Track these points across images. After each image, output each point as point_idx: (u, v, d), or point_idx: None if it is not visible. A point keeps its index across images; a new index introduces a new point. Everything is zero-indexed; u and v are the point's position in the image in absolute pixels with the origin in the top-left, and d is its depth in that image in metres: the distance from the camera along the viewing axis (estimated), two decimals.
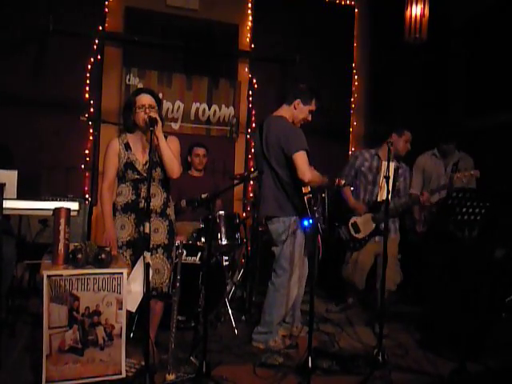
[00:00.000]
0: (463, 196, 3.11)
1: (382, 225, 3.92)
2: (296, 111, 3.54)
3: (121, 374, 2.62)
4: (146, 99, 3.02)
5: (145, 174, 3.01)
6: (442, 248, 4.15)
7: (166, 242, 3.10)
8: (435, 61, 6.34)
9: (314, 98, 3.54)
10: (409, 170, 4.39)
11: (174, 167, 3.02)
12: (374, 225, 4.14)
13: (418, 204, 4.17)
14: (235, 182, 4.28)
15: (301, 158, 3.30)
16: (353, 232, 4.20)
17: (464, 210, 3.14)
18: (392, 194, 4.01)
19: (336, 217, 4.41)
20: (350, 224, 4.21)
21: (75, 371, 2.53)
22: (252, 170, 5.60)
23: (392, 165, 3.39)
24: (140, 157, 3.07)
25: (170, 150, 2.99)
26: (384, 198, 3.37)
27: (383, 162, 3.42)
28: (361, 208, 4.20)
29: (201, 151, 4.71)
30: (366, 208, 4.19)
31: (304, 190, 3.36)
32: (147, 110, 2.95)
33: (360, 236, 4.17)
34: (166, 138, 3.01)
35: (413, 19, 4.59)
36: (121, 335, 2.63)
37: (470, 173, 3.92)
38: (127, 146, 3.08)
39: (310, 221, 3.24)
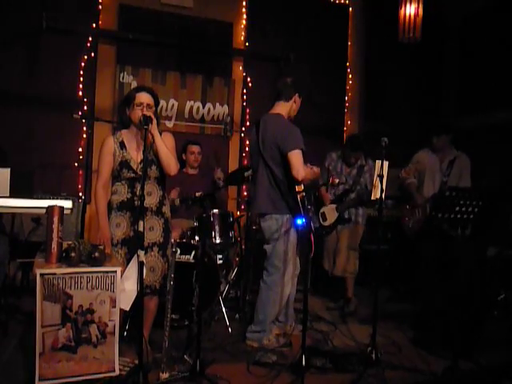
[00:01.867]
0: (456, 194, 3.12)
1: (344, 214, 4.56)
2: (295, 105, 3.61)
3: (114, 371, 2.61)
4: (145, 98, 3.01)
5: (140, 173, 3.00)
6: (434, 246, 4.17)
7: (162, 240, 3.10)
8: (429, 60, 6.37)
9: (302, 90, 3.65)
10: (373, 167, 4.41)
11: (171, 164, 3.02)
12: (337, 214, 4.53)
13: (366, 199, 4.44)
14: (227, 183, 4.31)
15: (296, 157, 3.31)
16: (321, 220, 4.58)
17: (457, 208, 3.14)
18: (355, 186, 4.58)
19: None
20: (320, 213, 4.60)
21: (68, 369, 2.52)
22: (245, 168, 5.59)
23: (386, 163, 3.39)
24: (135, 155, 3.06)
25: (165, 146, 2.99)
26: (377, 196, 3.37)
27: (377, 161, 3.42)
28: (327, 197, 4.58)
29: (195, 149, 4.70)
30: (331, 198, 4.60)
31: (297, 188, 3.36)
32: (144, 109, 2.95)
33: (326, 224, 4.57)
34: (160, 134, 3.01)
35: (407, 18, 4.61)
36: (114, 333, 2.62)
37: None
38: (122, 145, 3.07)
39: (303, 219, 3.25)
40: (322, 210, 4.60)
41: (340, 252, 4.55)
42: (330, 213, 4.56)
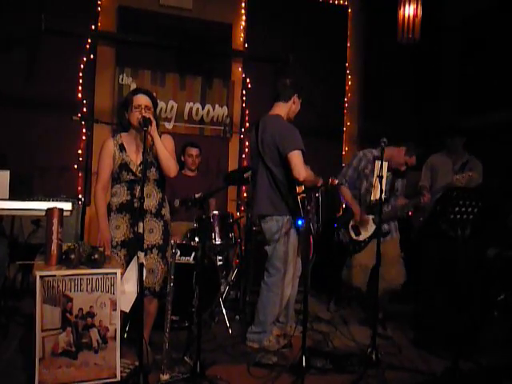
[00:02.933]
0: (456, 195, 3.12)
1: (384, 226, 3.97)
2: (294, 106, 3.60)
3: (115, 377, 2.61)
4: (142, 100, 3.01)
5: (139, 175, 3.01)
6: (434, 247, 4.17)
7: (161, 242, 3.10)
8: (428, 61, 6.37)
9: (302, 91, 3.63)
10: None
11: (170, 166, 3.03)
12: (374, 226, 4.03)
13: (418, 206, 4.08)
14: (228, 184, 4.28)
15: (296, 157, 3.31)
16: (353, 235, 4.09)
17: (457, 209, 3.14)
18: (390, 193, 4.06)
19: (334, 218, 4.39)
20: (350, 226, 4.11)
21: (69, 375, 2.51)
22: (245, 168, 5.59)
23: (385, 164, 3.39)
24: (134, 158, 3.07)
25: (165, 148, 2.99)
26: (377, 197, 3.38)
27: (376, 162, 3.43)
28: (358, 211, 4.04)
29: (194, 151, 4.70)
30: (364, 213, 4.05)
31: (298, 189, 3.37)
32: (143, 111, 2.95)
33: (361, 238, 4.07)
34: (159, 136, 3.01)
35: (406, 19, 4.61)
36: (115, 338, 2.61)
37: (468, 174, 3.90)
38: (122, 147, 3.07)
39: (303, 220, 3.25)
40: (352, 223, 4.09)
41: (392, 265, 3.97)
42: (365, 226, 4.05)
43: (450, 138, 4.48)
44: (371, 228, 4.04)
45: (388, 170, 3.94)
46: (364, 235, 4.06)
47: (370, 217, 4.04)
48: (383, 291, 3.87)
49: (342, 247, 4.17)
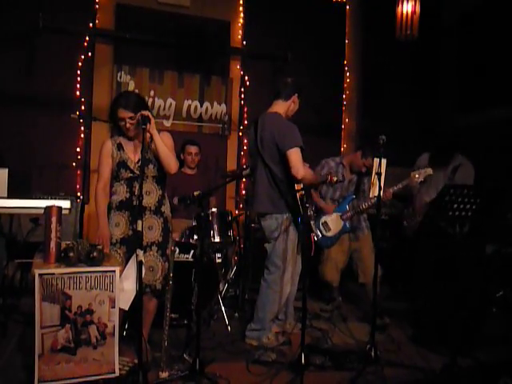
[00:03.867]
0: (454, 192, 3.12)
1: (349, 222, 4.30)
2: (293, 105, 3.61)
3: (114, 372, 2.62)
4: (122, 114, 2.98)
5: (138, 172, 3.02)
6: (432, 244, 4.17)
7: (160, 239, 3.10)
8: (427, 58, 6.37)
9: (302, 90, 3.64)
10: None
11: (170, 163, 3.03)
12: (342, 223, 4.30)
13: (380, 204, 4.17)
14: (227, 180, 4.28)
15: (295, 155, 3.31)
16: (324, 231, 4.31)
17: (455, 206, 3.15)
18: (357, 195, 4.37)
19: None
20: (320, 223, 4.32)
21: (68, 371, 2.52)
22: (244, 166, 5.59)
23: (384, 161, 3.39)
24: (132, 155, 3.08)
25: (165, 145, 3.00)
26: (376, 194, 3.38)
27: (375, 159, 3.43)
28: (330, 209, 4.34)
29: (193, 149, 4.70)
30: (334, 207, 4.34)
31: (297, 187, 3.36)
32: (128, 125, 2.98)
33: (330, 234, 4.31)
34: (158, 133, 3.01)
35: (404, 16, 4.60)
36: (114, 334, 2.62)
37: (425, 170, 4.02)
38: (120, 146, 3.09)
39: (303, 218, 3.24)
40: (323, 220, 4.32)
41: (365, 259, 4.25)
42: (335, 222, 4.29)
43: (451, 157, 4.46)
44: (340, 225, 4.30)
45: (352, 173, 4.39)
46: (333, 231, 4.30)
47: (337, 214, 4.30)
48: (367, 284, 4.24)
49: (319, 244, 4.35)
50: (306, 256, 3.17)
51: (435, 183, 4.43)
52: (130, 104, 3.00)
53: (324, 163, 4.44)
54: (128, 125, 2.99)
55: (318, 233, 4.30)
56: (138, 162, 3.05)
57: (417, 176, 4.01)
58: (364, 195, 4.39)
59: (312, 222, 3.37)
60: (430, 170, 4.02)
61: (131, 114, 2.99)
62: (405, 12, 4.61)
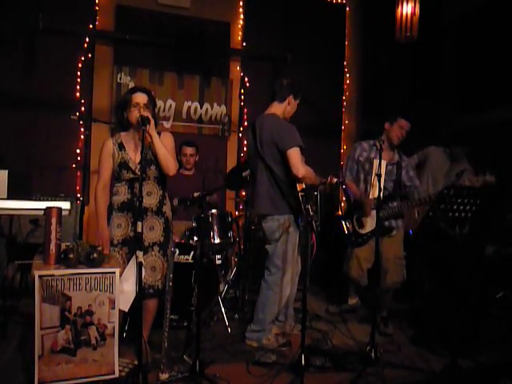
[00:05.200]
0: (454, 193, 3.12)
1: (386, 222, 3.98)
2: (289, 107, 3.59)
3: (114, 373, 2.62)
4: (141, 98, 3.02)
5: (139, 173, 3.01)
6: (432, 245, 4.18)
7: (162, 239, 3.10)
8: (426, 59, 6.37)
9: (299, 92, 3.61)
10: (411, 162, 4.31)
11: (169, 164, 3.03)
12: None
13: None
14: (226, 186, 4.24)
15: (294, 154, 3.31)
16: (357, 227, 4.10)
17: (455, 207, 3.15)
18: (398, 189, 4.04)
19: (334, 216, 4.41)
20: (354, 218, 4.12)
21: (68, 372, 2.52)
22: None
23: (384, 162, 3.39)
24: (134, 156, 3.08)
25: (164, 147, 3.00)
26: (376, 195, 3.37)
27: (375, 160, 3.43)
28: (369, 201, 3.98)
29: (189, 150, 4.69)
30: (372, 203, 3.95)
31: (298, 187, 3.36)
32: (141, 109, 2.95)
33: (363, 231, 4.08)
34: (159, 134, 3.02)
35: (404, 17, 4.62)
36: (113, 335, 2.62)
37: (484, 178, 3.78)
38: (121, 146, 3.08)
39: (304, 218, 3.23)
40: (357, 215, 4.09)
41: (389, 262, 3.95)
42: (369, 219, 4.02)
43: (454, 146, 4.46)
44: (374, 223, 3.92)
45: (390, 164, 4.01)
46: (366, 229, 4.06)
47: (374, 211, 3.93)
48: (385, 289, 3.96)
49: (341, 241, 4.19)
50: (306, 257, 3.16)
51: (433, 176, 4.42)
52: (150, 94, 3.11)
53: (357, 145, 4.20)
54: (137, 112, 2.94)
55: (349, 227, 4.09)
56: (139, 163, 3.03)
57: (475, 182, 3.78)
58: (406, 189, 4.09)
59: (313, 214, 3.24)
60: (492, 179, 3.78)
61: (147, 101, 3.02)
62: (404, 13, 4.63)
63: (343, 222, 4.12)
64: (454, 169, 4.46)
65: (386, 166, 3.95)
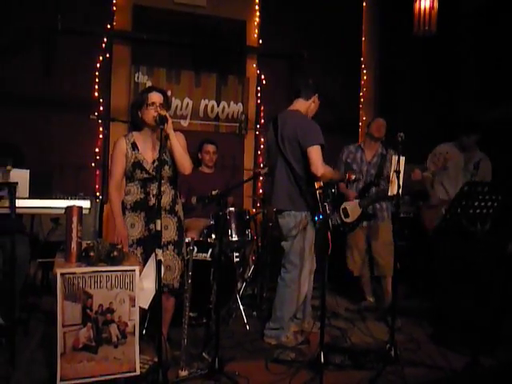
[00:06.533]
0: (475, 189, 3.08)
1: (368, 210, 4.35)
2: (313, 105, 3.63)
3: (135, 371, 2.63)
4: (156, 97, 3.03)
5: (153, 173, 3.03)
6: (453, 242, 4.12)
7: (176, 238, 3.12)
8: (445, 53, 6.29)
9: (319, 92, 3.67)
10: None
11: (185, 163, 3.05)
12: (360, 210, 4.32)
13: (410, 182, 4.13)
14: (245, 179, 4.28)
15: (315, 152, 3.32)
16: (343, 217, 4.36)
17: (476, 203, 3.11)
18: (378, 180, 4.38)
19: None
20: (341, 209, 4.38)
21: (89, 369, 2.54)
22: (261, 166, 5.59)
23: (402, 159, 3.36)
24: (148, 156, 3.08)
25: (180, 146, 3.01)
26: (394, 192, 3.34)
27: (393, 157, 3.39)
28: (351, 195, 4.38)
29: (211, 148, 4.72)
30: (355, 194, 4.38)
31: (316, 185, 3.35)
32: (158, 108, 2.96)
33: (349, 220, 4.35)
34: None
35: (422, 12, 4.56)
36: (134, 333, 2.63)
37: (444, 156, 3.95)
38: (134, 146, 3.09)
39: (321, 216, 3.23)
40: (343, 206, 4.38)
41: (378, 251, 4.37)
42: (353, 209, 4.34)
43: (467, 136, 4.39)
44: (358, 211, 4.33)
45: (375, 156, 4.47)
46: (352, 218, 4.34)
47: (357, 201, 4.34)
48: (379, 276, 4.43)
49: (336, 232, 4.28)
50: (323, 254, 3.15)
51: (454, 175, 4.37)
52: (164, 93, 3.12)
53: (345, 148, 4.62)
54: (154, 112, 2.94)
55: (337, 218, 4.36)
56: (153, 163, 3.06)
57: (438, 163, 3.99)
58: (386, 181, 4.26)
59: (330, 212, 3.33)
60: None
61: (162, 100, 3.03)
62: (423, 8, 4.57)
63: (332, 217, 4.24)
64: (470, 160, 4.39)
65: (373, 157, 4.46)
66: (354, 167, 4.46)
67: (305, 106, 3.59)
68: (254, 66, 5.90)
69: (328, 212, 3.12)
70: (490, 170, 4.34)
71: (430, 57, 6.26)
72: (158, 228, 2.62)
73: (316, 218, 3.36)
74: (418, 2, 4.60)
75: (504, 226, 3.98)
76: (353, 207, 4.34)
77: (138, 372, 2.65)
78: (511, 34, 5.53)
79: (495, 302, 3.62)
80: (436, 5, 4.55)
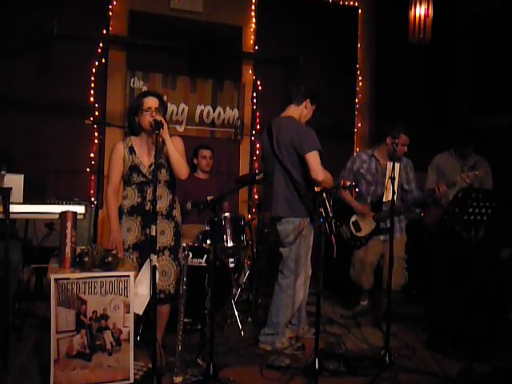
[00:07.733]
0: (469, 196, 3.09)
1: (383, 224, 4.08)
2: (306, 111, 3.61)
3: (129, 379, 2.61)
4: (152, 102, 3.03)
5: (150, 177, 3.03)
6: (448, 248, 4.14)
7: (173, 243, 3.11)
8: (440, 60, 6.33)
9: (317, 98, 3.64)
10: (411, 164, 4.31)
11: (181, 168, 3.04)
12: (374, 223, 4.15)
13: (432, 198, 4.09)
14: (240, 185, 4.28)
15: (314, 158, 3.33)
16: (354, 230, 4.20)
17: (470, 210, 3.12)
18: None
19: (336, 216, 4.41)
20: (351, 222, 4.21)
21: (83, 377, 2.53)
22: (256, 171, 5.60)
23: (397, 165, 3.37)
24: (145, 160, 3.09)
25: (176, 151, 3.01)
26: (389, 198, 3.36)
27: (388, 163, 3.41)
28: (366, 210, 4.17)
29: (207, 153, 4.72)
30: (369, 209, 4.17)
31: (316, 189, 3.35)
32: (153, 113, 2.97)
33: (361, 234, 4.18)
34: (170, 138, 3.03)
35: (417, 19, 4.59)
36: (129, 340, 2.62)
37: (474, 173, 3.92)
38: (132, 150, 3.09)
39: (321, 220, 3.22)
40: (354, 219, 4.19)
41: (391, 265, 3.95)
42: (366, 222, 4.15)
43: (465, 148, 4.40)
44: (371, 225, 4.15)
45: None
46: (364, 232, 4.17)
47: (371, 214, 4.15)
48: (384, 292, 4.02)
49: (345, 244, 4.23)
50: (320, 260, 3.15)
51: (452, 178, 4.37)
52: (161, 97, 3.12)
53: (355, 157, 4.34)
54: (150, 117, 2.94)
55: (347, 232, 4.19)
56: (150, 167, 3.06)
57: (462, 176, 3.89)
58: (404, 189, 4.19)
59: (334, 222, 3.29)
60: (481, 173, 3.95)
61: (158, 105, 3.03)
62: (417, 15, 4.60)
63: (340, 229, 4.22)
64: (466, 164, 4.40)
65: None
66: (369, 178, 4.22)
67: (297, 111, 3.59)
68: (250, 71, 5.92)
69: (331, 215, 3.12)
70: (488, 168, 4.35)
71: (426, 64, 6.30)
72: (153, 233, 2.61)
73: (314, 223, 3.35)
74: (413, 10, 4.62)
75: (498, 231, 4.00)
76: (365, 220, 4.15)
77: (131, 380, 2.63)
78: (506, 42, 5.57)
79: (489, 307, 3.63)
80: (431, 12, 4.58)
